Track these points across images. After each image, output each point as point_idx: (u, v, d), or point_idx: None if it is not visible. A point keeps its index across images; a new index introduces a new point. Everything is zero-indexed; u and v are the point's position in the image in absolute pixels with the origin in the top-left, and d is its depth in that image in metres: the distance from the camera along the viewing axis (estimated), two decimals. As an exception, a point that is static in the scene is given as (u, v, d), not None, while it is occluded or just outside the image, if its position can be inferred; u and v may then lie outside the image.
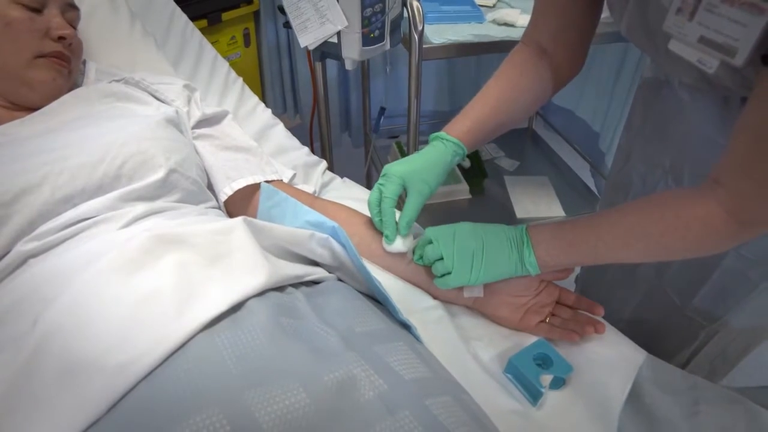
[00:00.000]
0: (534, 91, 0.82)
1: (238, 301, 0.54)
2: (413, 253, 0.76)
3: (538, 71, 0.81)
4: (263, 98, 2.11)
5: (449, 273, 0.71)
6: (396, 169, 0.75)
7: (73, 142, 0.68)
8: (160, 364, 0.47)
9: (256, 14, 1.95)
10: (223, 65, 1.18)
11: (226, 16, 1.79)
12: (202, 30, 1.29)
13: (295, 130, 1.20)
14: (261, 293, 0.56)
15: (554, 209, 1.62)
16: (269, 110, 1.14)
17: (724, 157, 0.59)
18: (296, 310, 0.57)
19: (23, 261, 0.59)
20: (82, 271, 0.53)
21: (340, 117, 2.19)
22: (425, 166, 0.76)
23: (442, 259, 0.71)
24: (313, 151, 1.15)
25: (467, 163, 1.77)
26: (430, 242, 0.73)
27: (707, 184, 0.60)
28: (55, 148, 0.66)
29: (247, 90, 1.17)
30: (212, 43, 1.24)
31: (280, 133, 1.11)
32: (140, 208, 0.66)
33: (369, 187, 1.14)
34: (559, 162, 1.89)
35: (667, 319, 0.93)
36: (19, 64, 0.77)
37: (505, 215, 1.59)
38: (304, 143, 1.15)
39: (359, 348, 0.52)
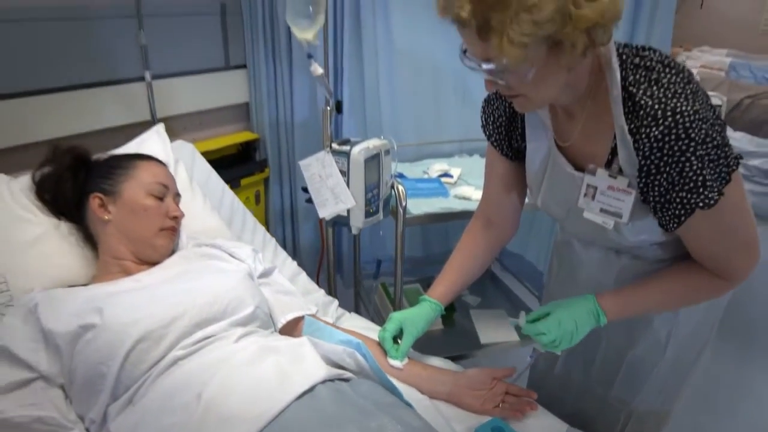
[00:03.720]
0: (485, 254, 1.24)
1: (311, 386, 0.90)
2: (522, 330, 1.06)
3: (488, 240, 1.23)
4: (268, 245, 2.53)
5: (558, 345, 1.02)
6: (397, 316, 1.16)
7: (194, 289, 1.06)
8: (275, 418, 0.82)
9: (266, 179, 2.44)
10: (260, 229, 1.61)
11: (244, 181, 2.26)
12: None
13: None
14: (323, 381, 0.93)
15: (511, 336, 1.97)
16: (295, 262, 1.55)
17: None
18: (343, 391, 0.93)
19: (174, 362, 0.94)
20: (221, 366, 0.90)
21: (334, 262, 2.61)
22: (417, 316, 1.16)
23: (554, 340, 1.01)
24: (318, 284, 1.55)
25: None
26: (543, 333, 1.01)
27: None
28: (185, 293, 1.04)
29: (279, 247, 1.58)
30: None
31: (304, 279, 1.52)
32: (239, 330, 1.03)
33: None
34: (513, 297, 2.26)
35: (595, 408, 1.26)
36: (149, 235, 1.16)
37: (471, 341, 1.94)
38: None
39: (385, 410, 0.87)
